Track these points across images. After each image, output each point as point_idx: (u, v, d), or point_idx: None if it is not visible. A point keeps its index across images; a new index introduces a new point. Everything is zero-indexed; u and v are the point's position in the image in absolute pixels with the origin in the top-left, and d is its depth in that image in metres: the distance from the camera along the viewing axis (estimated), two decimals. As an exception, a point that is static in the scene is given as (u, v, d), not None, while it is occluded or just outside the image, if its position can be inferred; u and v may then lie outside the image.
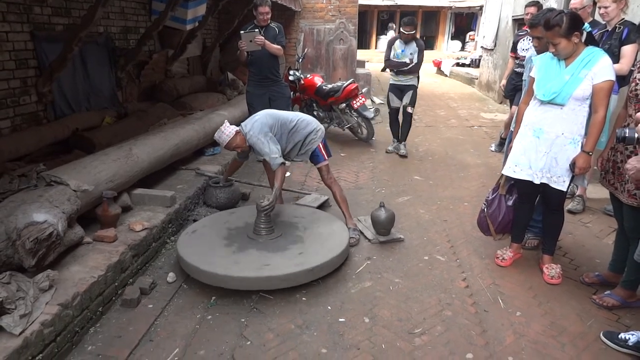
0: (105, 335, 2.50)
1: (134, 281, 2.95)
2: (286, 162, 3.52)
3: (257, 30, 4.79)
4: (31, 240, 2.32)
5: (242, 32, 4.69)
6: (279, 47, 4.88)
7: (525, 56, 5.17)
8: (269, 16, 4.90)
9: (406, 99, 5.75)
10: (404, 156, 5.91)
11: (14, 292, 2.18)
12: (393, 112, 5.97)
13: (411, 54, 5.59)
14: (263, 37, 4.68)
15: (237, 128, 3.50)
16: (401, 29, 5.56)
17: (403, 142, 6.04)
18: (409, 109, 5.78)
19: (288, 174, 4.37)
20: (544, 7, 3.84)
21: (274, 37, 4.89)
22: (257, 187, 4.67)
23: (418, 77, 5.79)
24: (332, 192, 3.69)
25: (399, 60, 5.62)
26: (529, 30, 3.83)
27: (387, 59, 5.79)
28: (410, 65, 5.57)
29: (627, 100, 2.67)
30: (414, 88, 5.74)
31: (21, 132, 3.94)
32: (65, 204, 2.72)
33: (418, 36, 6.06)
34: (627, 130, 2.36)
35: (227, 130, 3.46)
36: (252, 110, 5.22)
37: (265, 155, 3.42)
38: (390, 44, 5.74)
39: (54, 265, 2.58)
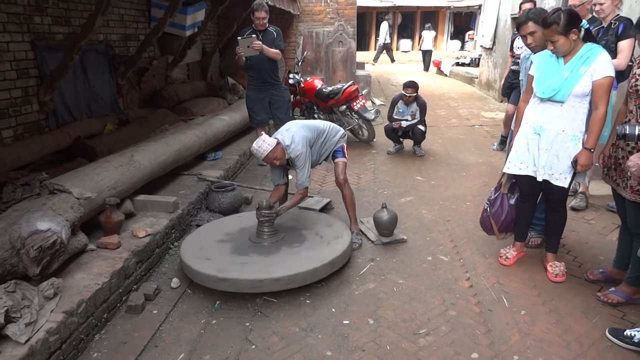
0: (110, 342, 2.51)
1: (138, 287, 2.96)
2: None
3: (254, 35, 4.81)
4: (35, 249, 2.33)
5: (239, 38, 4.71)
6: (277, 51, 4.89)
7: (520, 54, 5.18)
8: (266, 21, 4.92)
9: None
10: (421, 155, 6.05)
11: (19, 301, 2.19)
12: (390, 126, 6.04)
13: (412, 111, 5.90)
14: (260, 43, 4.70)
15: (276, 139, 3.29)
16: (403, 92, 5.84)
17: (417, 145, 6.15)
18: (421, 127, 5.92)
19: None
20: (539, 5, 3.86)
21: (272, 41, 4.90)
22: (259, 191, 4.68)
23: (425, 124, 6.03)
24: (343, 193, 3.63)
25: (402, 118, 5.91)
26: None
27: (390, 117, 6.05)
28: (413, 121, 5.84)
29: (627, 96, 2.67)
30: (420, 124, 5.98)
31: (23, 141, 3.96)
32: (69, 212, 2.74)
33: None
34: (627, 127, 2.36)
35: (269, 140, 3.23)
36: (252, 114, 5.23)
37: (299, 173, 3.34)
38: (394, 103, 6.02)
39: (58, 273, 2.59)
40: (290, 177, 3.88)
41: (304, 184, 3.34)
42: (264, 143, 3.21)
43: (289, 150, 3.29)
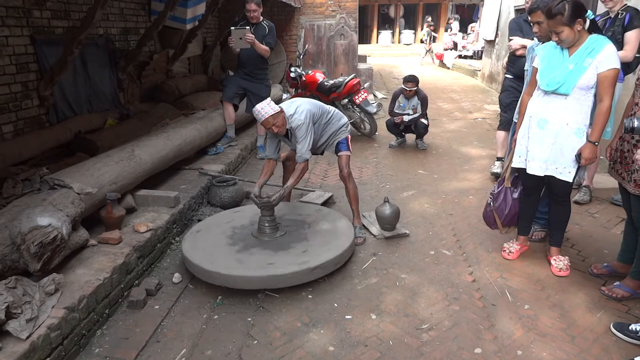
0: (112, 337, 2.50)
1: (139, 282, 2.95)
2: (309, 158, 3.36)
3: (248, 27, 4.78)
4: (36, 244, 2.32)
5: (232, 28, 4.68)
6: (266, 48, 4.88)
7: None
8: (257, 14, 4.89)
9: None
10: (423, 149, 6.02)
11: (20, 297, 2.18)
12: (391, 120, 6.01)
13: (413, 106, 5.86)
14: (253, 36, 4.68)
15: (281, 108, 3.25)
16: (403, 86, 5.82)
17: (420, 139, 6.11)
18: (424, 120, 5.87)
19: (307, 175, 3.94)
20: None
21: (262, 36, 4.88)
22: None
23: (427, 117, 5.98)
24: (346, 187, 3.60)
25: (403, 112, 5.87)
26: (529, 18, 3.80)
27: (391, 111, 6.00)
28: (415, 115, 5.80)
29: (635, 88, 2.63)
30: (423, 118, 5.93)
31: (24, 136, 3.94)
32: (69, 207, 2.72)
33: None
34: (635, 120, 2.33)
35: (274, 105, 3.19)
36: (224, 89, 5.36)
37: (300, 145, 3.28)
38: (395, 97, 5.99)
39: (59, 268, 2.58)
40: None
41: (303, 156, 3.29)
42: (267, 106, 3.18)
43: (290, 120, 3.26)
